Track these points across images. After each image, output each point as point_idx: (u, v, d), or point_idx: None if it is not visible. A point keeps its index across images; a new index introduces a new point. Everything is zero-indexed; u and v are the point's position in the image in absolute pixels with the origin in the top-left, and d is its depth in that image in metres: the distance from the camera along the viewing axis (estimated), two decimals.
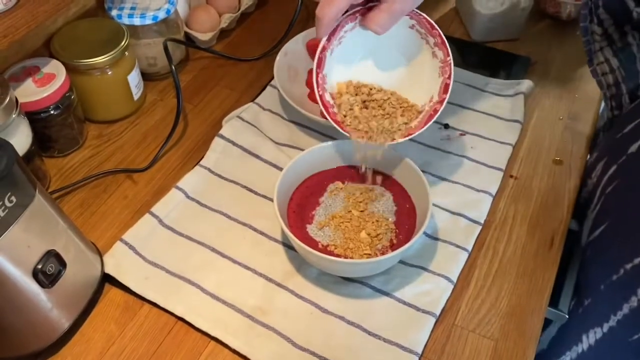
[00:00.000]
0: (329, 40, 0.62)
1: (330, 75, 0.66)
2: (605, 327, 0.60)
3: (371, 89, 0.67)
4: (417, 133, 0.64)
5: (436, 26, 0.64)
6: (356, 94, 0.66)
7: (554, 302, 0.66)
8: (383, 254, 0.61)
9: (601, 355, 0.65)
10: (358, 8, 0.61)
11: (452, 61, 0.63)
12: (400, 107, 0.66)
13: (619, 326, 0.58)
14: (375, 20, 0.59)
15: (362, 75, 0.67)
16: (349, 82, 0.67)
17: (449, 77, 0.64)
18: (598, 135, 0.79)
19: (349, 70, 0.67)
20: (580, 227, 0.72)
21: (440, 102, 0.64)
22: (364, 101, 0.66)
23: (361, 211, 0.65)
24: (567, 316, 0.66)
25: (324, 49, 0.62)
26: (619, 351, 0.62)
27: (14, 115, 0.63)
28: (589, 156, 0.75)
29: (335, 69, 0.66)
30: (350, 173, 0.69)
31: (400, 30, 0.63)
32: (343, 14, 0.59)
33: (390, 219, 0.64)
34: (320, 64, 0.63)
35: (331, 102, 0.65)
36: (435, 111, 0.64)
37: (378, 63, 0.68)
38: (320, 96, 0.64)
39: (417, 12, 0.63)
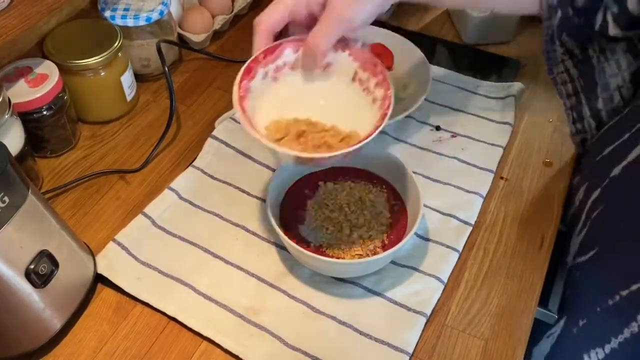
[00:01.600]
0: (264, 56, 0.56)
1: (259, 107, 0.57)
2: (607, 348, 0.60)
3: (308, 124, 0.58)
4: (359, 145, 0.54)
5: (380, 65, 0.57)
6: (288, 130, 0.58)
7: (543, 302, 0.66)
8: (375, 254, 0.62)
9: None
10: (302, 36, 0.55)
11: (392, 94, 0.56)
12: (341, 139, 0.57)
13: (621, 348, 0.58)
14: (314, 34, 0.51)
15: (295, 111, 0.59)
16: (279, 121, 0.58)
17: (388, 108, 0.55)
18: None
19: (279, 109, 0.59)
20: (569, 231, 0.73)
21: (376, 127, 0.54)
22: (299, 135, 0.57)
23: (353, 211, 0.66)
24: (556, 316, 0.66)
25: (256, 60, 0.56)
26: None
27: (6, 116, 0.63)
28: (573, 177, 0.75)
29: (265, 103, 0.58)
30: (343, 173, 0.69)
31: (341, 87, 0.59)
32: (283, 34, 0.54)
33: (382, 220, 0.65)
34: (249, 73, 0.56)
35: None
36: (376, 128, 0.54)
37: (314, 102, 0.60)
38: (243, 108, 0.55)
39: (362, 48, 0.57)
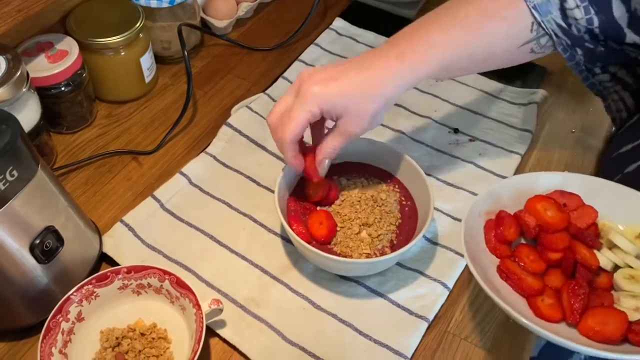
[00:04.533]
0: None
1: None
2: None
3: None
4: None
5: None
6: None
7: None
8: (383, 253, 0.61)
9: None
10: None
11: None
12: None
13: None
14: (326, 146, 0.59)
15: None
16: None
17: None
18: None
19: None
20: None
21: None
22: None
23: (363, 209, 0.65)
24: None
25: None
26: None
27: (24, 89, 0.63)
28: None
29: None
30: (357, 169, 0.68)
31: None
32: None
33: (392, 220, 0.64)
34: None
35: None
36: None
37: None
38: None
39: None
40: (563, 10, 0.55)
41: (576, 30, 0.56)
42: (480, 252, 0.57)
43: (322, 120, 0.59)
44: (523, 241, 0.60)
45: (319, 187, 0.63)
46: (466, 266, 0.64)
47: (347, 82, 0.55)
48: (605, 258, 0.56)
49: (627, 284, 0.54)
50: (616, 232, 0.57)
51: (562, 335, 0.49)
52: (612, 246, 0.57)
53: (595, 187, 0.60)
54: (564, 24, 0.55)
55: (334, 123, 0.58)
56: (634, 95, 0.64)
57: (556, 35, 0.56)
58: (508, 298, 0.53)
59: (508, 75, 0.85)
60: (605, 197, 0.59)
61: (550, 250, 0.57)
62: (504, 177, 0.72)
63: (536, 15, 0.55)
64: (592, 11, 0.55)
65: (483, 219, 0.59)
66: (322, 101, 0.55)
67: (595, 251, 0.56)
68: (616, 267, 0.56)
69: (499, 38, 0.57)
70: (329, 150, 0.59)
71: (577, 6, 0.55)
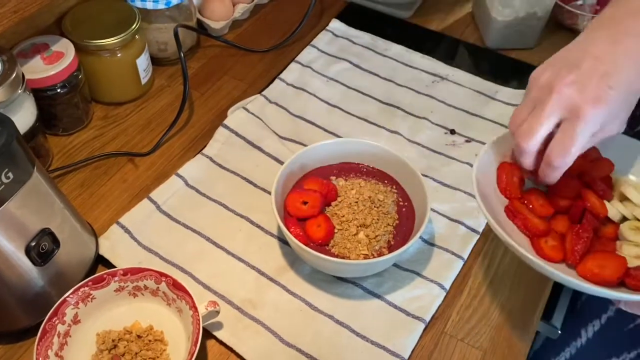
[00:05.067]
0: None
1: None
2: (604, 318, 0.59)
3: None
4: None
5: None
6: None
7: (547, 315, 0.65)
8: (380, 254, 0.61)
9: (600, 346, 0.64)
10: None
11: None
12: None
13: (617, 314, 0.57)
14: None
15: None
16: None
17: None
18: None
19: None
20: None
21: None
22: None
23: (361, 210, 0.65)
24: (560, 332, 0.65)
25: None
26: (617, 340, 0.62)
27: (19, 91, 0.63)
28: None
29: None
30: (353, 170, 0.68)
31: None
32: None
33: (389, 220, 0.64)
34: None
35: None
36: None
37: None
38: None
39: None
40: None
41: None
42: (491, 192, 0.57)
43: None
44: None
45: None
46: (463, 267, 0.64)
47: (618, 79, 0.49)
48: (614, 209, 0.56)
49: (632, 234, 0.54)
50: (629, 184, 0.57)
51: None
52: (624, 199, 0.57)
53: (612, 140, 0.57)
54: None
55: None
56: None
57: None
58: (512, 236, 0.53)
59: (504, 76, 0.85)
60: (620, 151, 0.59)
61: (559, 197, 0.57)
62: None
63: None
64: None
65: (497, 160, 0.59)
66: (604, 120, 0.49)
67: (605, 202, 0.56)
68: (623, 220, 0.56)
69: None
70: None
71: None
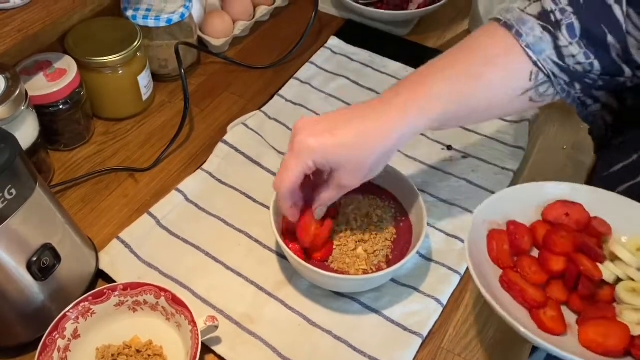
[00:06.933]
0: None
1: None
2: None
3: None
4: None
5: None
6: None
7: None
8: (379, 269, 0.61)
9: None
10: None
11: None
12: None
13: None
14: (321, 199, 0.59)
15: None
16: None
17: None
18: None
19: None
20: None
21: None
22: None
23: (359, 226, 0.65)
24: None
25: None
26: None
27: (22, 108, 0.64)
28: None
29: None
30: None
31: None
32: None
33: (387, 236, 0.65)
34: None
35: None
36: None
37: None
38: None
39: None
40: (558, 48, 0.55)
41: (575, 69, 0.56)
42: (483, 262, 0.57)
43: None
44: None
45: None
46: (460, 282, 0.65)
47: (345, 134, 0.54)
48: (607, 271, 0.56)
49: (629, 297, 0.54)
50: (619, 244, 0.57)
51: (564, 349, 0.49)
52: (614, 258, 0.58)
53: (599, 198, 0.60)
54: (560, 62, 0.55)
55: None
56: (616, 116, 0.65)
57: (554, 75, 0.56)
58: (510, 309, 0.53)
59: None
60: (608, 209, 0.59)
61: (551, 253, 0.57)
62: None
63: (531, 54, 0.55)
64: (592, 56, 0.55)
65: (486, 228, 0.59)
66: (317, 156, 0.54)
67: (598, 264, 0.57)
68: (618, 280, 0.57)
69: (498, 87, 0.56)
70: (324, 202, 0.60)
71: (570, 43, 0.55)
